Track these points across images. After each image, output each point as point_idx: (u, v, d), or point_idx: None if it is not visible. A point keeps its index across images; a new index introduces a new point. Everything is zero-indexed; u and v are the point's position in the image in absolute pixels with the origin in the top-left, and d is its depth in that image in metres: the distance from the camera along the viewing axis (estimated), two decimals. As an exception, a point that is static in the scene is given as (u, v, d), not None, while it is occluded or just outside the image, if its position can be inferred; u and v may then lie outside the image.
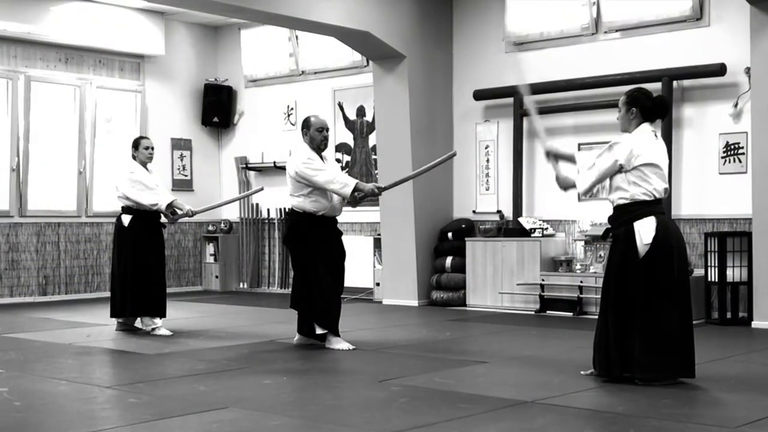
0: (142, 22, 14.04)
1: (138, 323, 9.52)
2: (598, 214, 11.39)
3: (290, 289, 8.69)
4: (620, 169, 6.54)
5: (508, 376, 6.90)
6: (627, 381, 6.52)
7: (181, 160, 14.86)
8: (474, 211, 12.58)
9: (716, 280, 10.22)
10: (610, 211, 6.77)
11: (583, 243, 11.35)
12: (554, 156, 7.14)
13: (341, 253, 8.54)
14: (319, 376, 7.03)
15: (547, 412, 5.66)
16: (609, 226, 6.80)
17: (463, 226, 12.31)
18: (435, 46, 12.66)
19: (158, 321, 9.37)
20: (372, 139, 13.44)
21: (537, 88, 11.81)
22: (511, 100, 11.97)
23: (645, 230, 6.45)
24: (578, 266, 11.22)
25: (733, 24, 10.59)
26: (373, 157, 13.37)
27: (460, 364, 7.41)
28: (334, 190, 8.18)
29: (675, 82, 10.86)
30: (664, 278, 6.45)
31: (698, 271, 10.53)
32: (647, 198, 6.51)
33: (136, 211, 9.40)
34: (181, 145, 14.94)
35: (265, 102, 14.81)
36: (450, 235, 12.36)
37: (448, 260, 12.26)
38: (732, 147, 10.59)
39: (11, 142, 12.96)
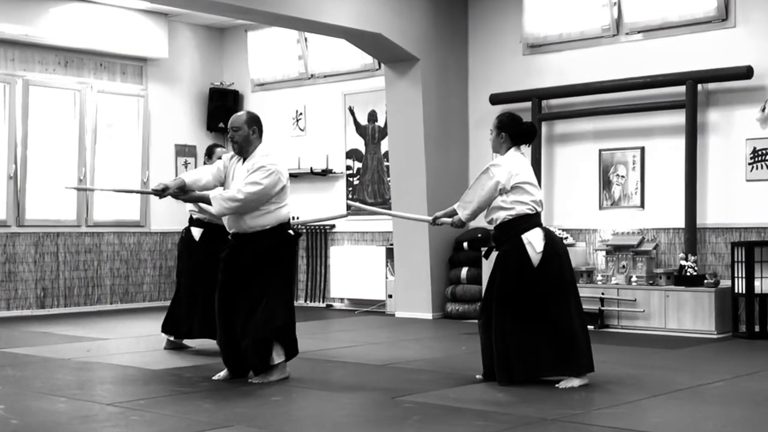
0: (145, 23, 14.07)
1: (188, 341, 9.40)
2: (620, 223, 11.38)
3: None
4: (500, 191, 7.13)
5: (528, 391, 6.86)
6: (537, 383, 7.03)
7: (186, 167, 14.86)
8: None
9: (744, 291, 10.18)
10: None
11: (604, 253, 11.32)
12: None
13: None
14: (330, 392, 7.01)
15: (569, 431, 5.63)
16: (482, 245, 7.30)
17: (479, 235, 12.27)
18: (449, 48, 12.65)
19: None
20: (384, 145, 13.44)
21: (555, 92, 11.87)
22: (529, 104, 11.94)
23: (535, 240, 7.10)
24: (599, 277, 11.19)
25: (760, 25, 10.56)
26: (385, 163, 13.37)
27: (475, 380, 7.38)
28: None
29: (699, 86, 10.83)
30: (558, 282, 7.10)
31: (725, 283, 10.50)
32: (530, 212, 7.17)
33: (208, 224, 9.10)
34: (185, 151, 14.95)
35: (273, 107, 14.80)
36: (465, 245, 12.34)
37: (464, 271, 12.24)
38: (759, 153, 10.55)
39: (9, 148, 12.97)
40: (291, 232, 7.53)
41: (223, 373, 7.51)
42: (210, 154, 9.32)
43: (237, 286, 7.41)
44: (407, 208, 11.97)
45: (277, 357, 7.36)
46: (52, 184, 13.37)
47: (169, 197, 7.56)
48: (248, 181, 7.24)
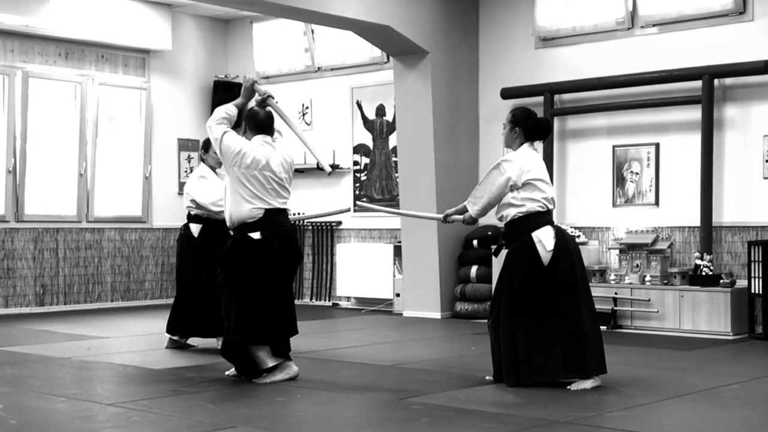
0: (148, 14, 14.07)
1: (193, 341, 9.38)
2: (634, 221, 11.37)
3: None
4: (511, 188, 7.13)
5: (538, 393, 6.86)
6: (548, 385, 7.01)
7: (189, 161, 14.88)
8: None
9: (760, 291, 10.16)
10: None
11: (617, 252, 11.31)
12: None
13: None
14: (336, 393, 7.01)
15: (580, 434, 5.64)
16: (490, 243, 7.24)
17: (490, 233, 12.25)
18: (460, 41, 12.64)
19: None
20: (392, 140, 13.43)
21: (568, 87, 11.85)
22: (541, 99, 11.93)
23: (545, 238, 7.09)
24: (613, 276, 11.18)
25: (780, 18, 10.56)
26: (394, 159, 13.36)
27: (485, 381, 7.38)
28: None
29: (716, 81, 10.81)
30: (569, 281, 7.09)
31: (741, 282, 10.49)
32: (541, 209, 7.16)
33: (206, 220, 9.12)
34: (188, 146, 14.96)
35: (279, 100, 14.76)
36: (475, 242, 12.32)
37: (473, 270, 12.24)
38: (778, 150, 10.56)
39: (7, 142, 12.98)
40: (256, 235, 7.32)
41: (232, 370, 7.59)
42: (207, 148, 9.20)
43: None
44: (416, 205, 11.97)
45: (269, 360, 7.37)
46: (52, 179, 13.44)
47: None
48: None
